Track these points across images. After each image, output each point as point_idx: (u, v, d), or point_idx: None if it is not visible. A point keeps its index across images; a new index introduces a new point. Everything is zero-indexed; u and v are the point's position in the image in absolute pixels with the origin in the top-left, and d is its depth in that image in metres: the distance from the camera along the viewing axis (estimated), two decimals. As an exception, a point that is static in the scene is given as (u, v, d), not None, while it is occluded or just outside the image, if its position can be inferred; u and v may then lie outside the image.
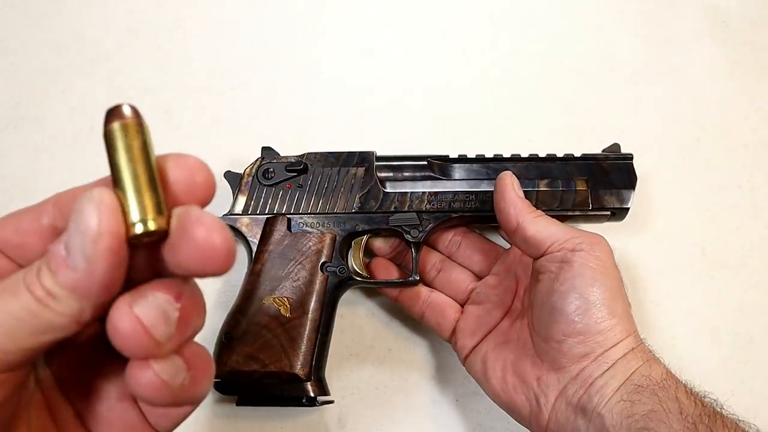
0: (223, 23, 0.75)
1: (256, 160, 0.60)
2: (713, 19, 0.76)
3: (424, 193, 0.59)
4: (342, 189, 0.59)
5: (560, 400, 0.49)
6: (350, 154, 0.60)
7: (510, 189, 0.54)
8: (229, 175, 0.60)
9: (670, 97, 0.73)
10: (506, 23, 0.75)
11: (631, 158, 0.60)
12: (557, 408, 0.48)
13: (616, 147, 0.61)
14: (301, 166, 0.59)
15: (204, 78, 0.72)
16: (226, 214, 0.59)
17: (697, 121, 0.71)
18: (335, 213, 0.59)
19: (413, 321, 0.63)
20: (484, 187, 0.59)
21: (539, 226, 0.52)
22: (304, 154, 0.60)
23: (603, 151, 0.62)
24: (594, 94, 0.72)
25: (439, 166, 0.60)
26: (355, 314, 0.64)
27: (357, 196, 0.59)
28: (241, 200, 0.59)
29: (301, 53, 0.74)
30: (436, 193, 0.59)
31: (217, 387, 0.55)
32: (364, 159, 0.60)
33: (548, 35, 0.75)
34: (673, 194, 0.68)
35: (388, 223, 0.59)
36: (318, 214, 0.58)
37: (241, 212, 0.59)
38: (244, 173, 0.60)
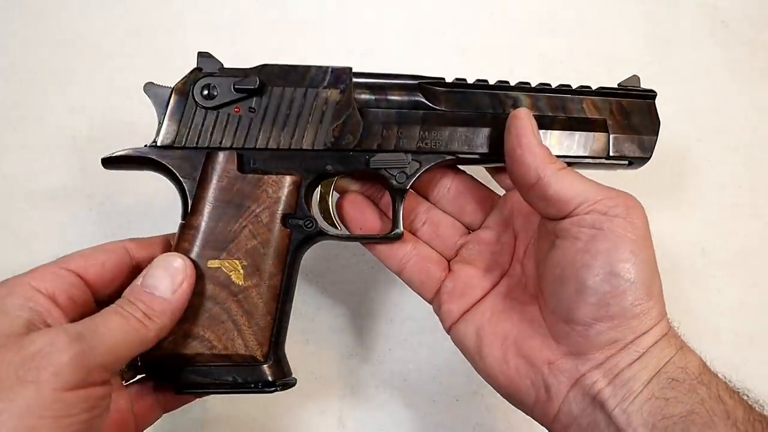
0: (223, 23, 0.75)
1: (191, 71, 0.46)
2: (713, 19, 0.76)
3: (415, 127, 0.47)
4: (310, 117, 0.46)
5: (576, 389, 0.41)
6: (320, 71, 0.47)
7: (529, 132, 0.44)
8: (153, 90, 0.46)
9: (670, 97, 0.72)
10: (506, 23, 0.75)
11: (654, 96, 0.51)
12: (571, 398, 0.41)
13: (635, 80, 0.52)
14: (255, 85, 0.45)
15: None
16: (151, 145, 0.45)
17: (697, 121, 0.71)
18: (301, 150, 0.46)
19: (413, 321, 0.63)
20: (489, 123, 0.48)
21: (564, 182, 0.42)
22: (258, 67, 0.47)
23: (619, 84, 0.52)
24: (594, 94, 0.72)
25: (433, 92, 0.48)
26: (355, 314, 0.64)
27: (329, 129, 0.46)
28: (171, 127, 0.45)
29: (301, 53, 0.74)
30: (429, 129, 0.47)
31: (149, 371, 0.45)
32: (338, 78, 0.47)
33: (548, 35, 0.75)
34: (673, 194, 0.68)
35: (368, 164, 0.47)
36: (279, 150, 0.45)
37: (171, 143, 0.45)
38: (173, 90, 0.46)
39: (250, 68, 0.47)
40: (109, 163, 0.46)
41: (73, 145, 0.69)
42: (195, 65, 0.47)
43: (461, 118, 0.48)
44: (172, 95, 0.45)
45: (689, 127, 0.71)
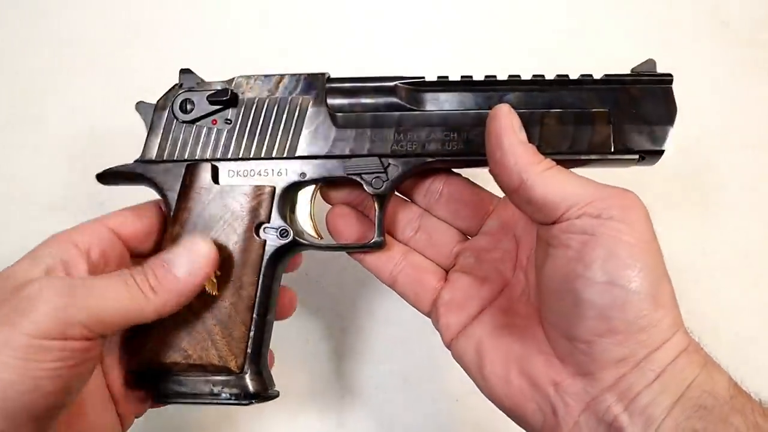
0: (222, 23, 0.75)
1: (172, 87, 0.48)
2: (713, 19, 0.76)
3: (389, 129, 0.45)
4: (282, 126, 0.46)
5: (588, 414, 0.37)
6: (292, 78, 0.47)
7: (509, 131, 0.40)
8: (143, 108, 0.48)
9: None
10: (506, 23, 0.75)
11: (671, 81, 0.47)
12: (583, 424, 0.37)
13: (650, 64, 0.48)
14: (227, 96, 0.45)
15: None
16: (138, 160, 0.47)
17: (697, 121, 0.71)
18: (274, 158, 0.46)
19: (413, 321, 0.62)
20: (472, 121, 0.45)
21: (550, 184, 0.38)
22: (232, 79, 0.47)
23: (633, 70, 0.49)
24: (594, 94, 0.72)
25: (410, 92, 0.46)
26: (355, 314, 0.64)
27: (302, 136, 0.46)
28: (154, 141, 0.47)
29: (301, 53, 0.74)
30: (405, 131, 0.45)
31: (131, 380, 0.44)
32: (310, 85, 0.46)
33: (548, 35, 0.75)
34: (673, 194, 0.68)
35: (343, 171, 0.46)
36: (252, 159, 0.46)
37: (155, 157, 0.46)
38: (156, 106, 0.47)
39: (227, 80, 0.47)
40: (103, 177, 0.48)
41: (73, 145, 0.69)
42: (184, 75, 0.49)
43: (440, 119, 0.45)
44: (154, 111, 0.47)
45: (689, 127, 0.71)
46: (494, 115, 0.40)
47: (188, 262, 0.40)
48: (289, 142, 0.46)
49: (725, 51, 0.74)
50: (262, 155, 0.46)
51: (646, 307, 0.36)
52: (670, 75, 0.47)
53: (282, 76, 0.47)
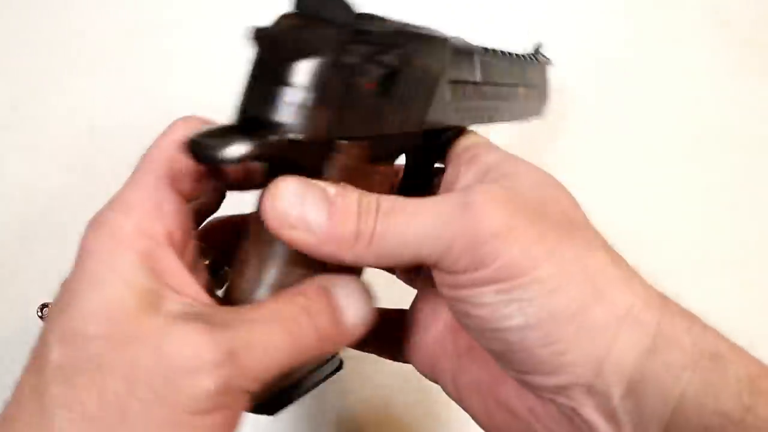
0: (224, 23, 0.75)
1: (340, 27, 0.29)
2: (713, 19, 0.76)
3: (474, 101, 0.40)
4: (424, 95, 0.35)
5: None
6: (441, 42, 0.36)
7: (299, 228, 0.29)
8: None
9: (670, 97, 0.73)
10: (506, 24, 0.75)
11: (550, 63, 0.54)
12: None
13: (539, 45, 0.55)
14: (404, 65, 0.33)
15: (205, 78, 0.72)
16: (296, 139, 0.28)
17: (697, 120, 0.71)
18: (409, 132, 0.35)
19: (413, 321, 0.63)
20: (504, 97, 0.44)
21: (386, 254, 0.29)
22: (395, 29, 0.33)
23: (534, 48, 0.55)
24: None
25: (485, 64, 0.41)
26: (355, 314, 0.64)
27: (432, 106, 0.37)
28: (323, 112, 0.29)
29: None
30: (477, 107, 0.41)
31: (262, 410, 0.37)
32: (435, 48, 0.36)
33: (547, 36, 0.75)
34: (672, 194, 0.68)
35: (440, 139, 0.39)
36: (397, 135, 0.34)
37: (323, 133, 0.30)
38: (314, 51, 0.29)
39: (389, 30, 0.32)
40: (222, 162, 0.27)
41: (73, 145, 0.69)
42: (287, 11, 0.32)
43: (495, 94, 0.42)
44: (319, 59, 0.29)
45: (689, 128, 0.71)
46: (268, 198, 0.30)
47: (357, 311, 0.32)
48: (421, 113, 0.35)
49: (725, 51, 0.74)
50: (404, 128, 0.34)
51: (549, 335, 0.28)
52: (550, 60, 0.55)
53: (423, 34, 0.34)
